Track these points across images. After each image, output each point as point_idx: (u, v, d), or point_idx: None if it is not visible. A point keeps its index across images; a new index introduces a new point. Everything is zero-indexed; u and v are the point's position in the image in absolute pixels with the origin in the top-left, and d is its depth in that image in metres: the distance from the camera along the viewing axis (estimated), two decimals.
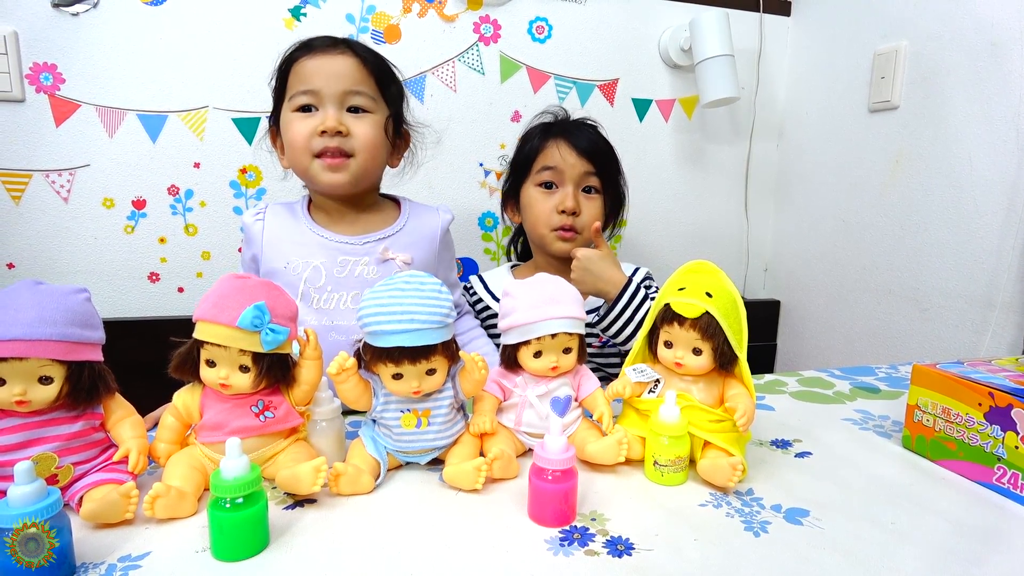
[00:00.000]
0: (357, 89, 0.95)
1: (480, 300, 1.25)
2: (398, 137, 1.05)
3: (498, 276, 1.29)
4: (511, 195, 1.26)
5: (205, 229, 1.43)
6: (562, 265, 1.20)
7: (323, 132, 0.93)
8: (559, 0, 1.57)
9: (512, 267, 1.32)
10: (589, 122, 1.25)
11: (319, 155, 0.95)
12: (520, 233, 1.35)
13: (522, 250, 1.38)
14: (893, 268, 1.46)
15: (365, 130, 0.96)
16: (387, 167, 1.07)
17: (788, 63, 1.79)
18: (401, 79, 1.05)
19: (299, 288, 0.95)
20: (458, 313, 1.14)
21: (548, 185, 1.18)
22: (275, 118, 1.02)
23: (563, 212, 1.16)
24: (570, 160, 1.16)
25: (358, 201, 1.02)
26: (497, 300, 1.22)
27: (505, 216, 1.30)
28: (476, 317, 1.23)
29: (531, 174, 1.20)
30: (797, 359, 1.79)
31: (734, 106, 1.72)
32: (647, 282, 1.25)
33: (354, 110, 0.96)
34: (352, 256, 0.98)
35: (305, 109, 0.95)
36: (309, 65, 0.94)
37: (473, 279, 1.29)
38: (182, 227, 1.42)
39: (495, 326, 1.18)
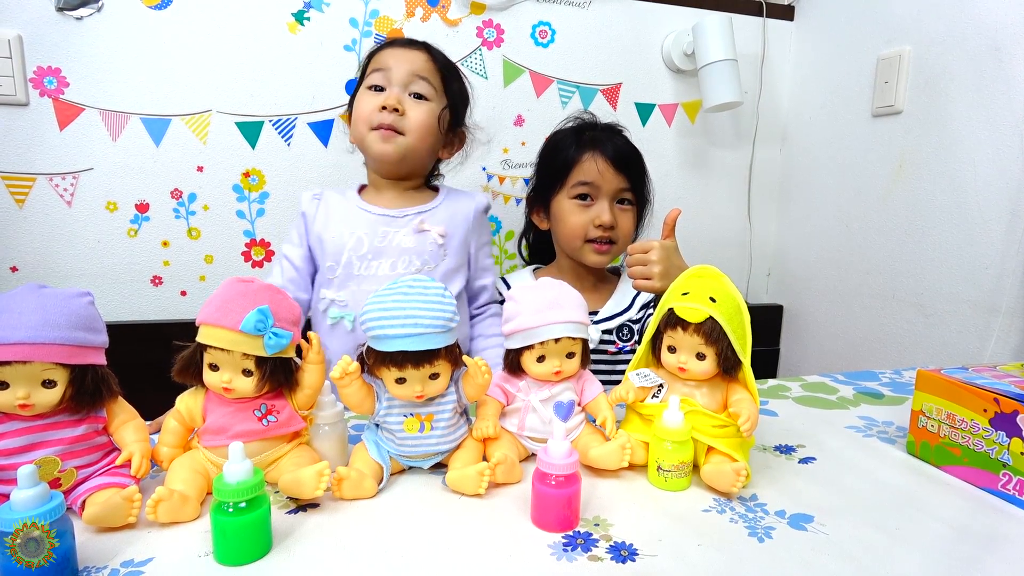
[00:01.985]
0: (422, 75, 1.05)
1: (502, 300, 1.22)
2: (452, 132, 1.13)
3: (521, 280, 1.28)
4: (539, 200, 1.24)
5: (208, 233, 1.43)
6: (590, 271, 1.22)
7: (383, 108, 1.02)
8: (562, 5, 1.57)
9: (535, 270, 1.31)
10: (618, 127, 1.24)
11: (376, 128, 1.03)
12: (535, 234, 1.33)
13: (534, 250, 1.37)
14: (896, 273, 1.46)
15: (419, 114, 1.04)
16: (440, 159, 1.16)
17: (791, 68, 1.79)
18: (469, 88, 1.16)
19: (343, 256, 1.04)
20: (485, 304, 1.19)
21: (583, 197, 1.17)
22: (351, 103, 1.11)
23: (600, 226, 1.15)
24: (607, 175, 1.15)
25: (403, 180, 1.11)
26: None
27: (532, 219, 1.28)
28: None
29: (565, 186, 1.18)
30: (800, 363, 1.79)
31: (737, 110, 1.72)
32: None
33: (417, 96, 1.05)
34: (392, 228, 1.06)
35: (377, 89, 1.05)
36: (387, 52, 1.06)
37: (499, 283, 1.27)
38: (185, 231, 1.42)
39: None
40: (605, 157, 1.16)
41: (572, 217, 1.17)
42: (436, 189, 1.16)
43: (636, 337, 1.23)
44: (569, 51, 1.60)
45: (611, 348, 1.20)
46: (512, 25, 1.54)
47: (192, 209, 1.42)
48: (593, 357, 1.14)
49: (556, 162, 1.20)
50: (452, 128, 1.12)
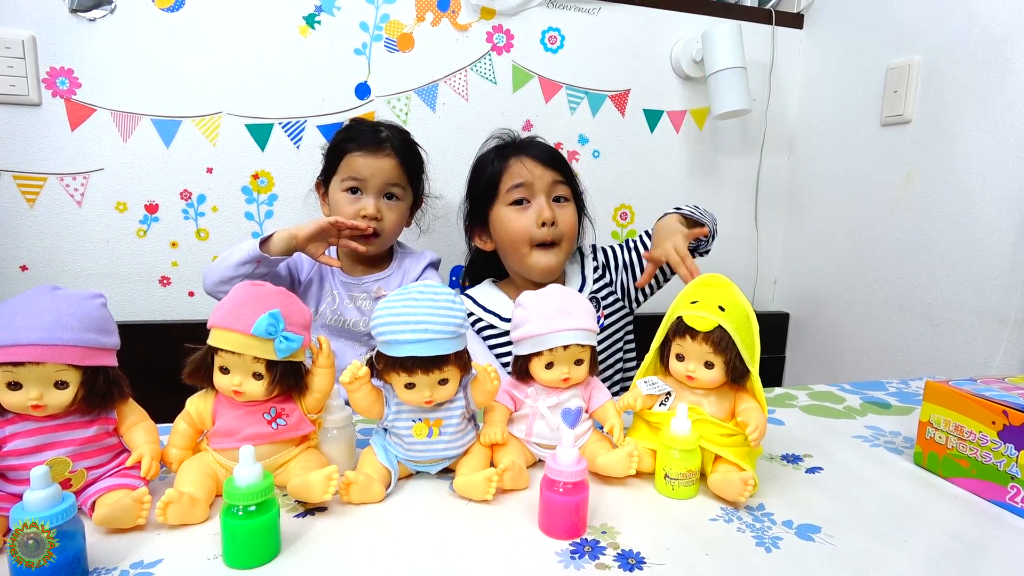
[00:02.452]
0: (393, 182, 1.20)
1: (471, 314, 1.24)
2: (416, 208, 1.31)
3: (484, 291, 1.28)
4: (476, 223, 1.25)
5: (216, 234, 1.44)
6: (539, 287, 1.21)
7: (364, 216, 1.17)
8: (572, 11, 1.57)
9: (494, 282, 1.30)
10: (539, 139, 1.25)
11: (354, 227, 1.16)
12: (480, 260, 1.32)
13: (477, 274, 1.35)
14: (904, 282, 1.45)
15: (394, 216, 1.21)
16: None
17: (800, 76, 1.79)
18: (425, 161, 1.29)
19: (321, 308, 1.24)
20: None
21: (519, 202, 1.17)
22: (325, 181, 1.24)
23: (543, 224, 1.14)
24: (537, 172, 1.16)
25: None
26: (488, 312, 1.23)
27: (473, 245, 1.29)
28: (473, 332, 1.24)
29: (499, 195, 1.18)
30: (806, 372, 1.79)
31: (745, 118, 1.72)
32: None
33: (389, 196, 1.20)
34: (357, 293, 1.24)
35: (352, 191, 1.19)
36: (361, 163, 1.18)
37: (461, 298, 1.22)
38: (194, 232, 1.43)
39: (491, 337, 1.21)
40: (530, 156, 1.17)
41: (512, 224, 1.17)
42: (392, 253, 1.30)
43: (612, 298, 1.26)
44: (578, 57, 1.60)
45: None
46: (522, 30, 1.55)
47: (201, 210, 1.42)
48: None
49: (484, 177, 1.21)
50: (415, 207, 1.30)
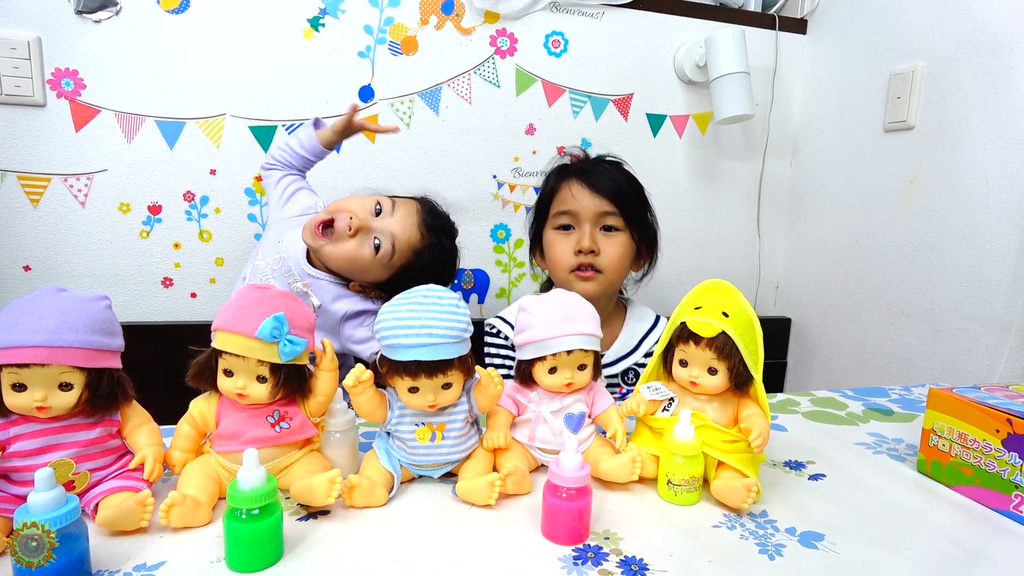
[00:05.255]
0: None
1: (508, 339, 1.19)
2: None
3: (514, 313, 1.24)
4: (536, 241, 1.23)
5: (219, 235, 1.44)
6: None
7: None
8: (575, 15, 1.58)
9: None
10: (610, 159, 1.21)
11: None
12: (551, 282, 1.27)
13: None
14: (906, 289, 1.45)
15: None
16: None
17: (803, 81, 1.79)
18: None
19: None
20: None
21: (566, 227, 1.15)
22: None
23: (580, 252, 1.12)
24: (584, 200, 1.13)
25: None
26: None
27: (533, 263, 1.26)
28: (511, 351, 1.17)
29: (548, 218, 1.17)
30: (807, 378, 1.79)
31: (748, 123, 1.72)
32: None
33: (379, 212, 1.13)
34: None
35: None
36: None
37: (495, 321, 1.23)
38: (197, 233, 1.43)
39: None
40: (583, 183, 1.13)
41: (554, 248, 1.15)
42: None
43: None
44: (582, 61, 1.60)
45: (616, 393, 1.17)
46: (525, 34, 1.55)
47: (204, 212, 1.43)
48: None
49: (540, 197, 1.21)
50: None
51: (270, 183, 1.27)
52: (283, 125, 1.44)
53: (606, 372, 1.16)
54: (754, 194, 1.82)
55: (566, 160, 1.23)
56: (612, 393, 1.15)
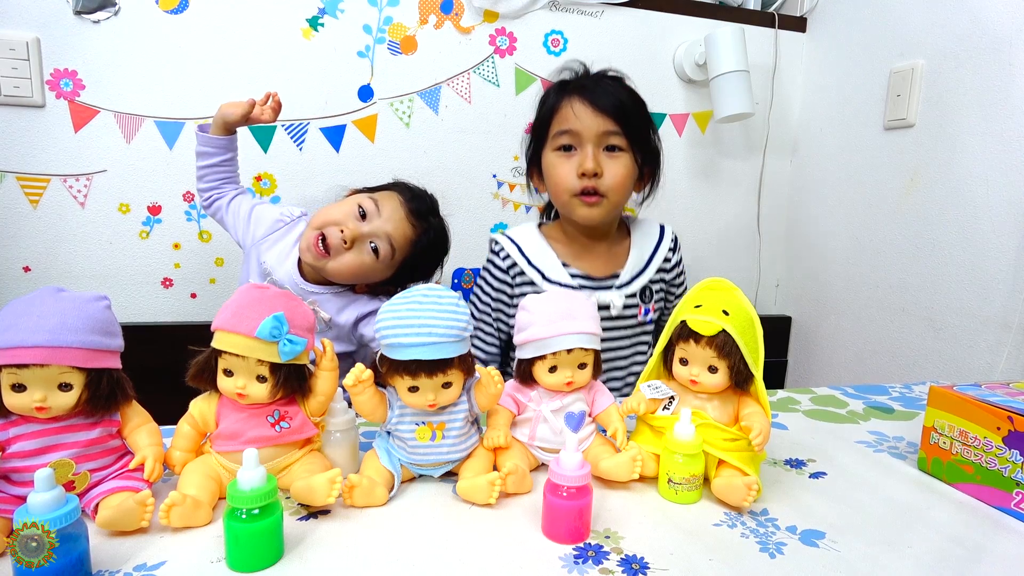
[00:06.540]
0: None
1: (514, 264, 1.14)
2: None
3: (526, 234, 1.17)
4: (534, 162, 1.16)
5: (219, 236, 1.44)
6: (589, 233, 1.14)
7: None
8: (575, 14, 1.58)
9: (539, 225, 1.21)
10: (611, 74, 1.13)
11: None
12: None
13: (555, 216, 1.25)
14: (907, 287, 1.45)
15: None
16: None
17: (803, 79, 1.79)
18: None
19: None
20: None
21: (567, 148, 1.08)
22: None
23: (583, 175, 1.05)
24: (586, 120, 1.05)
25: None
26: (533, 267, 1.13)
27: (531, 186, 1.20)
28: (507, 283, 1.15)
29: (548, 138, 1.10)
30: (807, 375, 1.79)
31: (748, 121, 1.72)
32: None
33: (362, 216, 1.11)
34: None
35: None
36: None
37: (501, 239, 1.17)
38: (196, 233, 1.43)
39: (529, 283, 1.13)
40: (584, 100, 1.06)
41: (556, 170, 1.09)
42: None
43: (657, 296, 1.18)
44: (581, 60, 1.59)
45: (637, 313, 1.15)
46: (525, 33, 1.55)
47: (203, 212, 1.42)
48: (618, 324, 1.14)
49: (538, 116, 1.13)
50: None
51: (221, 216, 1.23)
52: (282, 125, 1.44)
53: (624, 293, 1.13)
54: (754, 192, 1.82)
55: (566, 75, 1.15)
56: (631, 313, 1.15)
